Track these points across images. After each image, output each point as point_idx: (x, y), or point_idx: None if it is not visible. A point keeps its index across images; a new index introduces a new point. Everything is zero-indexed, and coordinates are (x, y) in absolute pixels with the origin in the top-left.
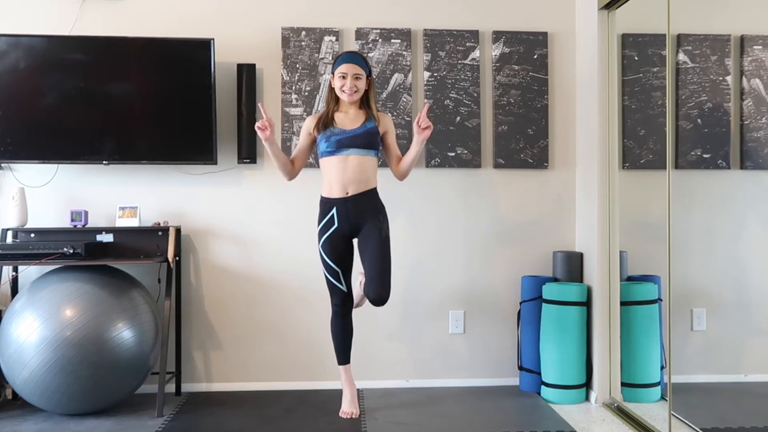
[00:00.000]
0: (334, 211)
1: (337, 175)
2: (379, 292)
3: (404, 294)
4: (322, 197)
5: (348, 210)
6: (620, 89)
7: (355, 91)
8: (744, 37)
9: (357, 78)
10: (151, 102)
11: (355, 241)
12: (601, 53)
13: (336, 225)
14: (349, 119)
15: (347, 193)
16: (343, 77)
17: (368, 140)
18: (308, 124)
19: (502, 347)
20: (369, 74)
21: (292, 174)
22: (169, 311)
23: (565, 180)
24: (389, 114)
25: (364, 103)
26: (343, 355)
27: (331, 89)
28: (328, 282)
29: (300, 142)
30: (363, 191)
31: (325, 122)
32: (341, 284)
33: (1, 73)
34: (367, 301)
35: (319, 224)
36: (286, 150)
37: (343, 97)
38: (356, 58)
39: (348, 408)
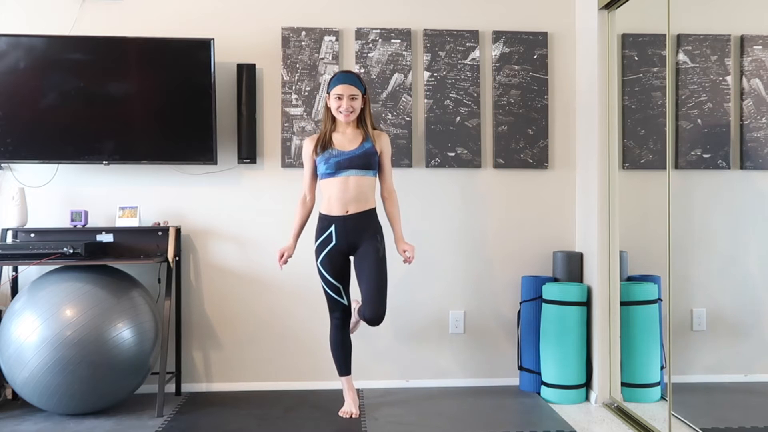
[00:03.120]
0: (332, 228)
1: (338, 195)
2: (375, 311)
3: (404, 294)
4: (321, 214)
5: (347, 228)
6: (620, 89)
7: (351, 112)
8: (744, 37)
9: (353, 99)
10: (151, 102)
11: (351, 258)
12: (601, 53)
13: (334, 242)
14: (347, 139)
15: (347, 212)
16: (339, 98)
17: (367, 161)
18: (308, 148)
19: (502, 347)
20: (364, 92)
21: (311, 207)
22: (169, 311)
23: (565, 180)
24: (386, 132)
25: (361, 121)
26: (345, 367)
27: (327, 109)
28: (329, 297)
29: (306, 169)
30: (363, 211)
31: (323, 144)
32: (342, 299)
33: (1, 73)
34: (362, 324)
35: (316, 241)
36: (285, 150)
37: (340, 118)
38: (351, 78)
39: (348, 408)
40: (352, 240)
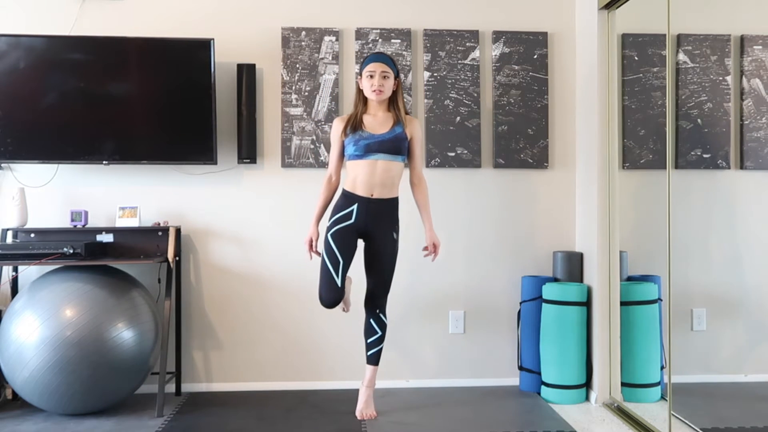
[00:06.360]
0: (355, 207)
1: (365, 177)
2: (376, 303)
3: (404, 294)
4: (344, 190)
5: (369, 210)
6: (620, 89)
7: (383, 90)
8: (744, 37)
9: (385, 77)
10: (151, 102)
11: (360, 240)
12: (601, 53)
13: (353, 220)
14: (377, 122)
15: (372, 195)
16: (371, 76)
17: (396, 146)
18: (338, 128)
19: (502, 347)
20: (397, 75)
21: (335, 189)
22: (169, 311)
23: (565, 180)
24: (417, 119)
25: (392, 105)
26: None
27: (359, 91)
28: (325, 272)
29: (334, 149)
30: (387, 198)
31: (354, 125)
32: (338, 276)
33: (1, 73)
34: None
35: (334, 215)
36: (285, 150)
37: (372, 96)
38: (384, 57)
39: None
40: (371, 224)
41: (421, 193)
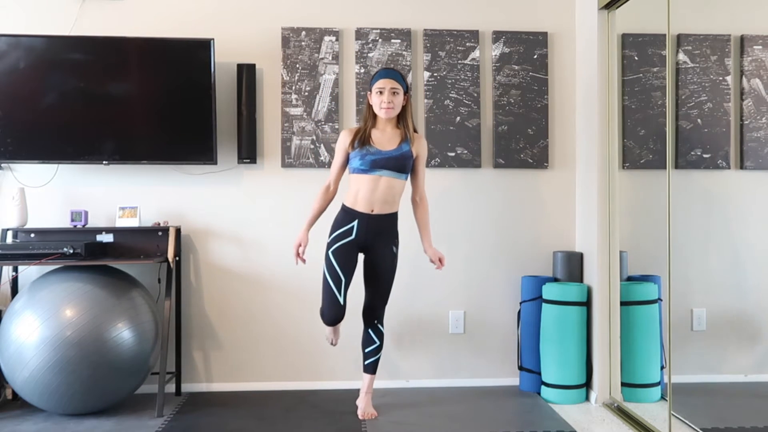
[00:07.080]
0: (355, 223)
1: (366, 193)
2: (376, 315)
3: (404, 294)
4: (344, 206)
5: (369, 226)
6: (620, 89)
7: (392, 108)
8: (744, 37)
9: (394, 93)
10: (151, 102)
11: (361, 255)
12: (601, 53)
13: (353, 236)
14: (386, 138)
15: (372, 211)
16: (380, 92)
17: (402, 164)
18: (344, 140)
19: (502, 347)
20: (406, 91)
21: (332, 198)
22: (169, 311)
23: (565, 180)
24: (424, 137)
25: (401, 121)
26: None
27: (369, 107)
28: (327, 289)
29: (337, 159)
30: (387, 213)
31: (362, 139)
32: (340, 294)
33: (1, 73)
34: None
35: (334, 231)
36: (285, 150)
37: (381, 113)
38: (393, 73)
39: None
40: (371, 239)
41: (423, 211)
